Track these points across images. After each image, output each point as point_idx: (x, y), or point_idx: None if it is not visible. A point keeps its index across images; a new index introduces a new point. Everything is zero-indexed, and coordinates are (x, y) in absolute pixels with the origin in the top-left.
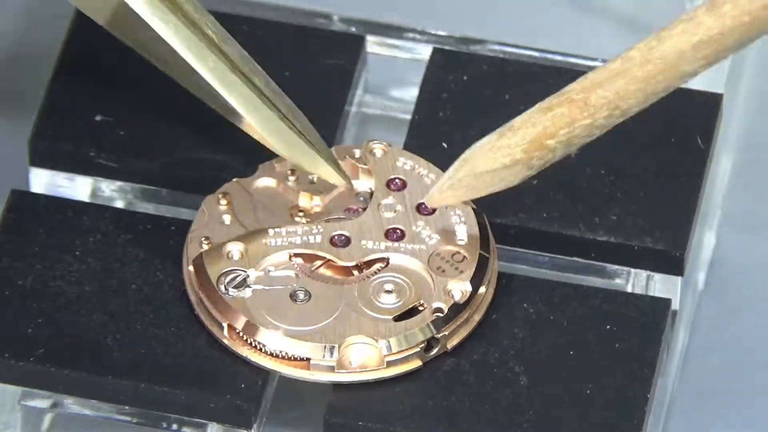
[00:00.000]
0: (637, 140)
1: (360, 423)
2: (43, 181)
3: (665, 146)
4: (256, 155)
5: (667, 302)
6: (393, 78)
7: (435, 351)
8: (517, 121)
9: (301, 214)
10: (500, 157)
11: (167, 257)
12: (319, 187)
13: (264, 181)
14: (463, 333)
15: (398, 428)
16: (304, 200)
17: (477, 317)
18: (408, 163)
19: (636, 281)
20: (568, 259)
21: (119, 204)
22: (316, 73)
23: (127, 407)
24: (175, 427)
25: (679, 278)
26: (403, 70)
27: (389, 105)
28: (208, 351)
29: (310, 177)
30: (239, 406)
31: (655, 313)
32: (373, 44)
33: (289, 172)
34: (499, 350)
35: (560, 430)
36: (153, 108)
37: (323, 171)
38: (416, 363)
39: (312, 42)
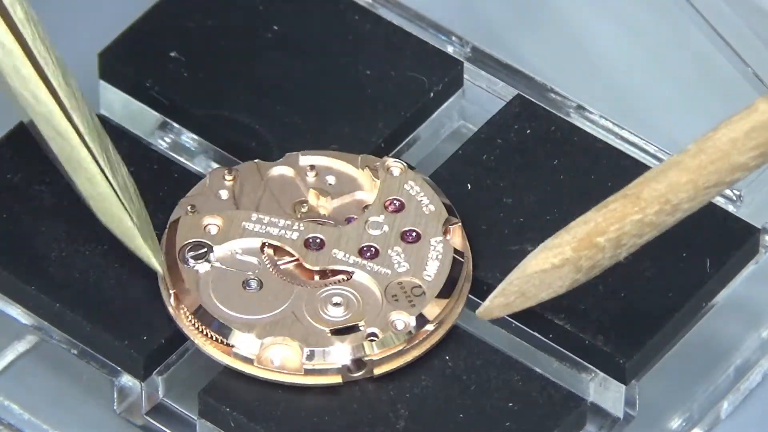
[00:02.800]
0: (653, 243)
1: (227, 409)
2: (116, 97)
3: (675, 259)
4: (299, 141)
5: (578, 400)
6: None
7: (360, 373)
8: (574, 221)
9: (303, 210)
10: (551, 256)
11: (155, 199)
12: (332, 189)
13: (282, 170)
14: (395, 364)
15: (259, 429)
16: (312, 198)
17: (417, 352)
18: (415, 189)
19: (592, 378)
20: (529, 331)
21: (163, 140)
22: (400, 79)
23: (45, 322)
24: (84, 360)
25: (623, 387)
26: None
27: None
28: (137, 289)
29: (328, 178)
30: (132, 354)
31: (561, 406)
32: (468, 70)
33: (309, 167)
34: (397, 389)
35: None
36: (230, 66)
37: (141, 251)
38: (336, 379)
39: (411, 52)
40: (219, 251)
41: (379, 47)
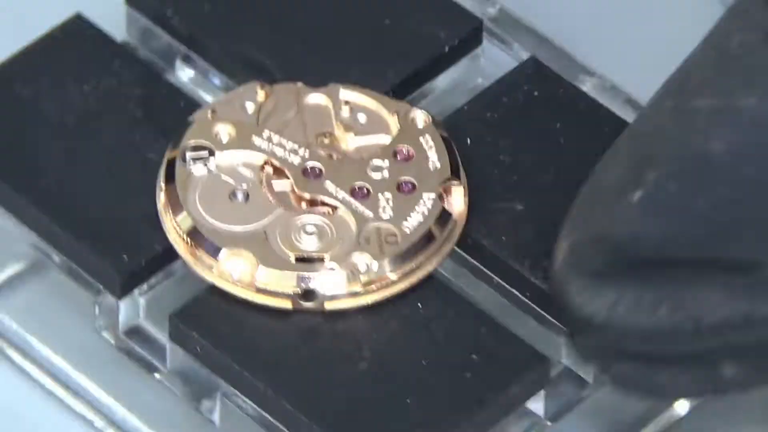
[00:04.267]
0: None
1: (195, 334)
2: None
3: None
4: (307, 81)
5: (542, 358)
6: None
7: (311, 304)
8: None
9: (325, 142)
10: None
11: (160, 128)
12: (360, 128)
13: (319, 98)
14: (348, 304)
15: (225, 356)
16: (339, 132)
17: (372, 298)
18: (429, 143)
19: (565, 338)
20: (510, 289)
21: (183, 74)
22: (417, 31)
23: (42, 238)
24: (71, 277)
25: None
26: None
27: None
28: (129, 209)
29: (360, 116)
30: (111, 272)
31: (524, 363)
32: (488, 29)
33: (344, 102)
34: (363, 332)
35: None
36: (249, 2)
37: None
38: (286, 303)
39: (432, 6)
40: (220, 158)
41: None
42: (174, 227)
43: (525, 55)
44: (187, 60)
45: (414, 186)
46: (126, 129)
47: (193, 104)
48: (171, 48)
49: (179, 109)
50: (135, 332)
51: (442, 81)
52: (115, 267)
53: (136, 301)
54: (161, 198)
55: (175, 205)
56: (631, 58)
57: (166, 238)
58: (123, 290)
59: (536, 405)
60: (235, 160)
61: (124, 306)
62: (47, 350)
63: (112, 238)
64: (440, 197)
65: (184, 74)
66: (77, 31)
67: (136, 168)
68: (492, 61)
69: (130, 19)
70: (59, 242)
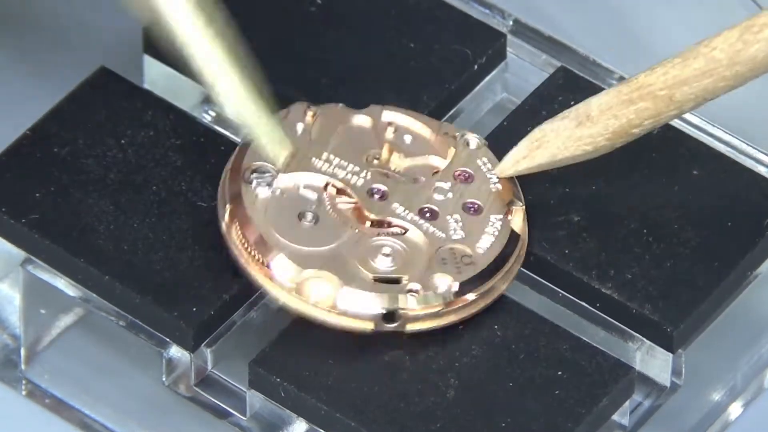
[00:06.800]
0: (698, 212)
1: (278, 380)
2: (161, 71)
3: (719, 228)
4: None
5: (626, 368)
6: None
7: (392, 326)
8: (594, 109)
9: (375, 162)
10: (582, 145)
11: (200, 172)
12: (407, 149)
13: (363, 120)
14: (428, 325)
15: (310, 398)
16: (385, 152)
17: (452, 318)
18: (487, 166)
19: (639, 347)
20: (577, 301)
21: (207, 113)
22: (444, 52)
23: (94, 294)
24: (133, 332)
25: (670, 355)
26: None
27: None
28: (186, 258)
29: (406, 137)
30: (182, 326)
31: (609, 374)
32: (511, 43)
33: (388, 123)
34: (447, 358)
35: None
36: (273, 39)
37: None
38: (368, 325)
39: (454, 25)
40: (282, 180)
41: (423, 20)
42: (246, 248)
43: (548, 65)
44: (208, 102)
45: (480, 207)
46: (170, 177)
47: (232, 145)
48: (193, 92)
49: (220, 152)
50: (207, 383)
51: (469, 99)
52: (186, 321)
53: (204, 351)
54: (225, 218)
55: (246, 226)
56: (647, 56)
57: (230, 286)
58: (196, 343)
59: (620, 415)
60: (297, 182)
61: (195, 357)
62: (107, 407)
63: (175, 291)
64: (506, 217)
65: (207, 116)
66: (104, 84)
67: (185, 216)
68: (512, 74)
69: (148, 66)
70: (119, 299)
